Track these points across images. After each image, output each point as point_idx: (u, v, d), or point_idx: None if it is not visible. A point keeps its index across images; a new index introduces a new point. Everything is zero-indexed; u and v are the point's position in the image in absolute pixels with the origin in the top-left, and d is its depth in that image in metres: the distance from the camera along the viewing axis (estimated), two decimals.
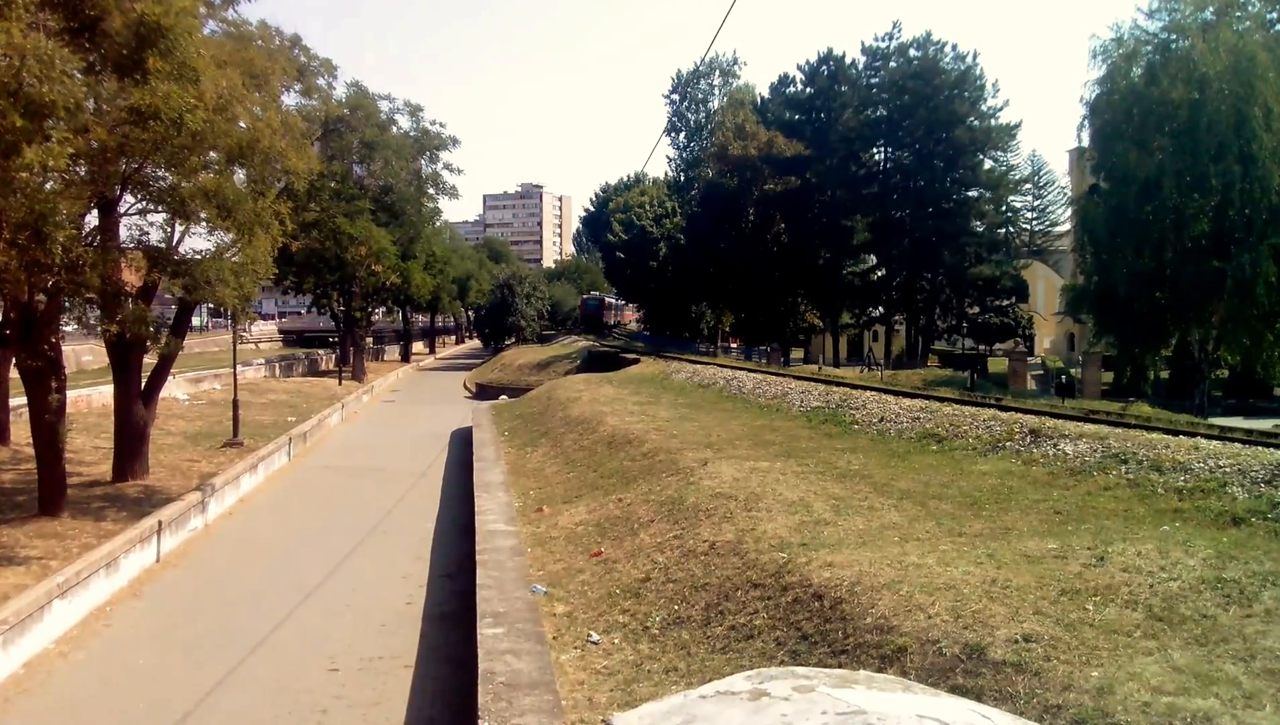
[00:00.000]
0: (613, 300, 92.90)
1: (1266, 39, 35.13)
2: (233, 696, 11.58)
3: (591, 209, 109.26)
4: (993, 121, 61.63)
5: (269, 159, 18.79)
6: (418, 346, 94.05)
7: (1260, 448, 14.84)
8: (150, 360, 22.44)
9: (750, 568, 11.25)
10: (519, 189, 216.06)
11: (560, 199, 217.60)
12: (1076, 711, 6.68)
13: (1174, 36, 36.81)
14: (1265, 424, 26.17)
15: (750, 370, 37.67)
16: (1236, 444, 15.32)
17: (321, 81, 36.30)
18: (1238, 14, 36.58)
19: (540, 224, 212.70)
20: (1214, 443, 15.43)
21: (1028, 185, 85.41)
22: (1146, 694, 6.68)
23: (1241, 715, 6.24)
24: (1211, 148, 33.51)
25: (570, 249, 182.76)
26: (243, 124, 18.15)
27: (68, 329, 24.86)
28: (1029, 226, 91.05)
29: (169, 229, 20.11)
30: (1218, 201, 34.46)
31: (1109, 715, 6.53)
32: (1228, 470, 13.48)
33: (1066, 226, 73.37)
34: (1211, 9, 36.36)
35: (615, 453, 21.89)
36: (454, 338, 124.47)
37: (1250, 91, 32.91)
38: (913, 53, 61.79)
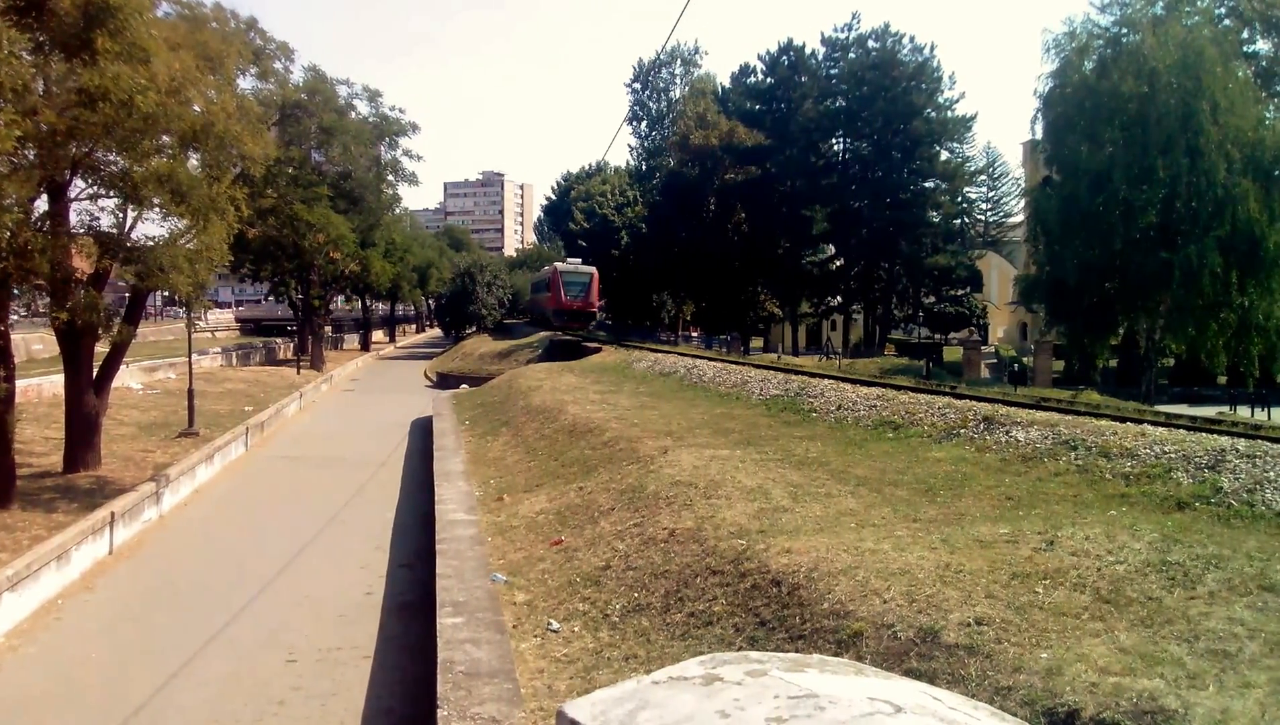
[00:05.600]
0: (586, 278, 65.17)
1: (1215, 34, 35.79)
2: (188, 690, 11.46)
3: (553, 197, 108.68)
4: (949, 113, 62.34)
5: (224, 143, 18.50)
6: (378, 335, 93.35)
7: (1204, 434, 15.20)
8: (102, 349, 22.04)
9: (709, 555, 11.33)
10: (480, 177, 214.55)
11: (522, 187, 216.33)
12: (1027, 693, 6.82)
13: (1125, 30, 37.39)
14: (1209, 411, 26.88)
15: (711, 359, 37.82)
16: (1181, 431, 15.67)
17: (278, 65, 35.82)
18: (1187, 9, 37.24)
19: (502, 212, 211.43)
20: (1160, 429, 15.76)
21: (983, 177, 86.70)
22: (1094, 675, 6.84)
23: (1185, 695, 6.39)
24: (1160, 141, 34.11)
25: (532, 237, 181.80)
26: (197, 107, 17.87)
27: (16, 317, 24.35)
28: (984, 217, 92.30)
29: (121, 214, 19.77)
30: (1165, 194, 35.08)
31: (1057, 696, 6.68)
32: (1173, 456, 13.78)
33: (1020, 217, 74.51)
34: (1161, 4, 37.03)
35: (576, 441, 21.90)
36: (414, 326, 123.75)
37: (1198, 86, 33.51)
38: (871, 44, 62.28)
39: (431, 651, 10.26)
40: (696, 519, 12.82)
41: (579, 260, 63.76)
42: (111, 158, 17.54)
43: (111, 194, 18.46)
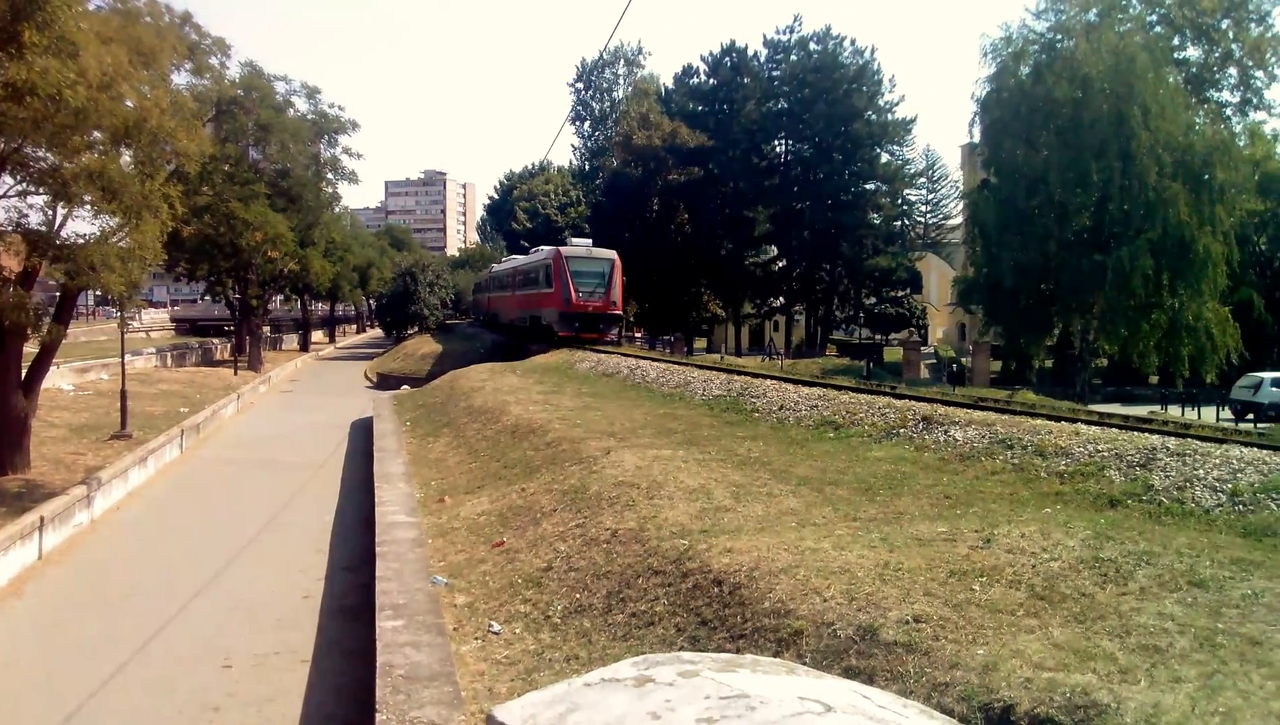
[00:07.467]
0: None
1: (1146, 41, 36.80)
2: (120, 696, 11.19)
3: (496, 197, 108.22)
4: (889, 116, 63.27)
5: (158, 139, 18.12)
6: (317, 335, 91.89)
7: (1135, 433, 15.53)
8: (31, 349, 21.45)
9: (651, 555, 11.32)
10: (422, 175, 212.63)
11: (464, 186, 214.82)
12: (963, 689, 6.91)
13: (1059, 37, 38.33)
14: (1141, 410, 27.59)
15: (654, 359, 37.81)
16: (1114, 429, 15.98)
17: (214, 60, 34.91)
18: (1119, 16, 38.25)
19: (444, 211, 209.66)
20: (1093, 428, 16.07)
21: (922, 179, 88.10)
22: (1029, 670, 6.94)
23: (1117, 689, 6.50)
24: (1093, 145, 34.97)
25: (474, 237, 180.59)
26: (129, 102, 17.47)
27: None
28: (923, 219, 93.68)
29: (50, 212, 19.24)
30: (1098, 197, 36.01)
31: (993, 691, 6.76)
32: (1105, 454, 14.07)
33: (959, 220, 75.84)
34: (1095, 10, 37.93)
35: (518, 442, 21.78)
36: (355, 326, 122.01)
37: (1130, 91, 34.40)
38: (813, 46, 62.98)
39: (371, 655, 10.12)
40: (639, 519, 12.81)
41: (589, 241, 46.59)
42: (40, 153, 17.13)
43: (40, 191, 18.01)
